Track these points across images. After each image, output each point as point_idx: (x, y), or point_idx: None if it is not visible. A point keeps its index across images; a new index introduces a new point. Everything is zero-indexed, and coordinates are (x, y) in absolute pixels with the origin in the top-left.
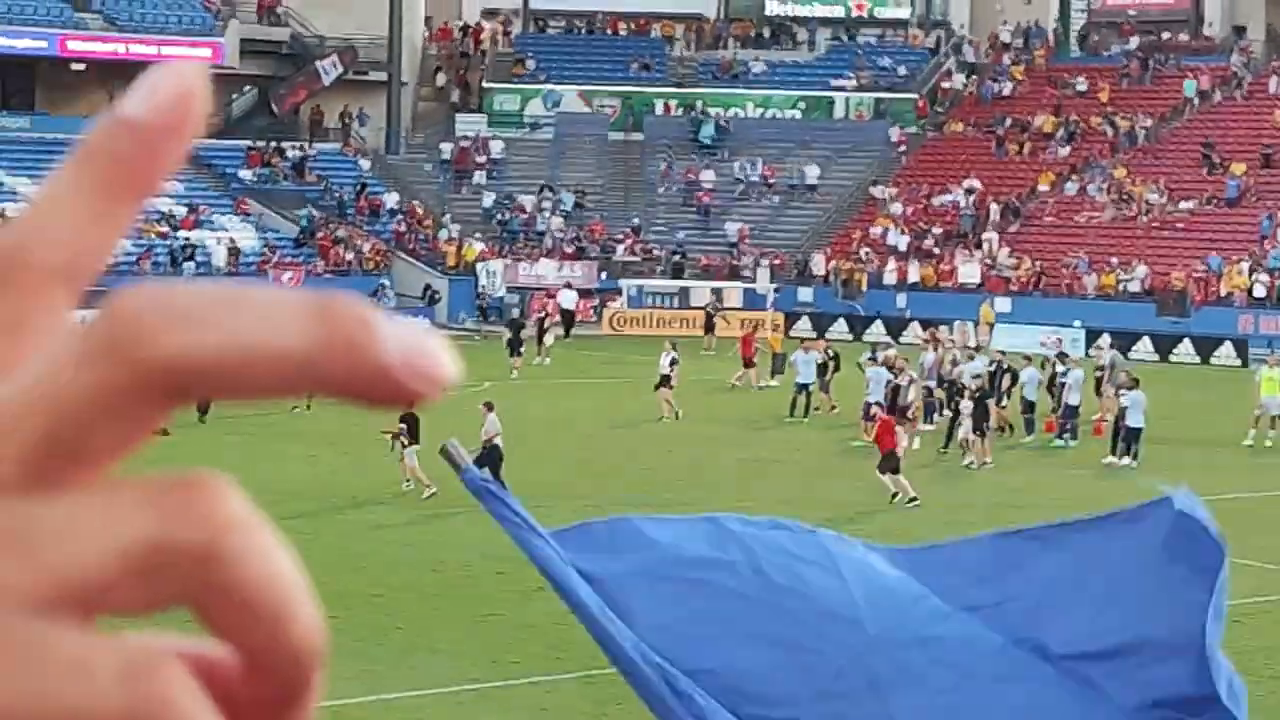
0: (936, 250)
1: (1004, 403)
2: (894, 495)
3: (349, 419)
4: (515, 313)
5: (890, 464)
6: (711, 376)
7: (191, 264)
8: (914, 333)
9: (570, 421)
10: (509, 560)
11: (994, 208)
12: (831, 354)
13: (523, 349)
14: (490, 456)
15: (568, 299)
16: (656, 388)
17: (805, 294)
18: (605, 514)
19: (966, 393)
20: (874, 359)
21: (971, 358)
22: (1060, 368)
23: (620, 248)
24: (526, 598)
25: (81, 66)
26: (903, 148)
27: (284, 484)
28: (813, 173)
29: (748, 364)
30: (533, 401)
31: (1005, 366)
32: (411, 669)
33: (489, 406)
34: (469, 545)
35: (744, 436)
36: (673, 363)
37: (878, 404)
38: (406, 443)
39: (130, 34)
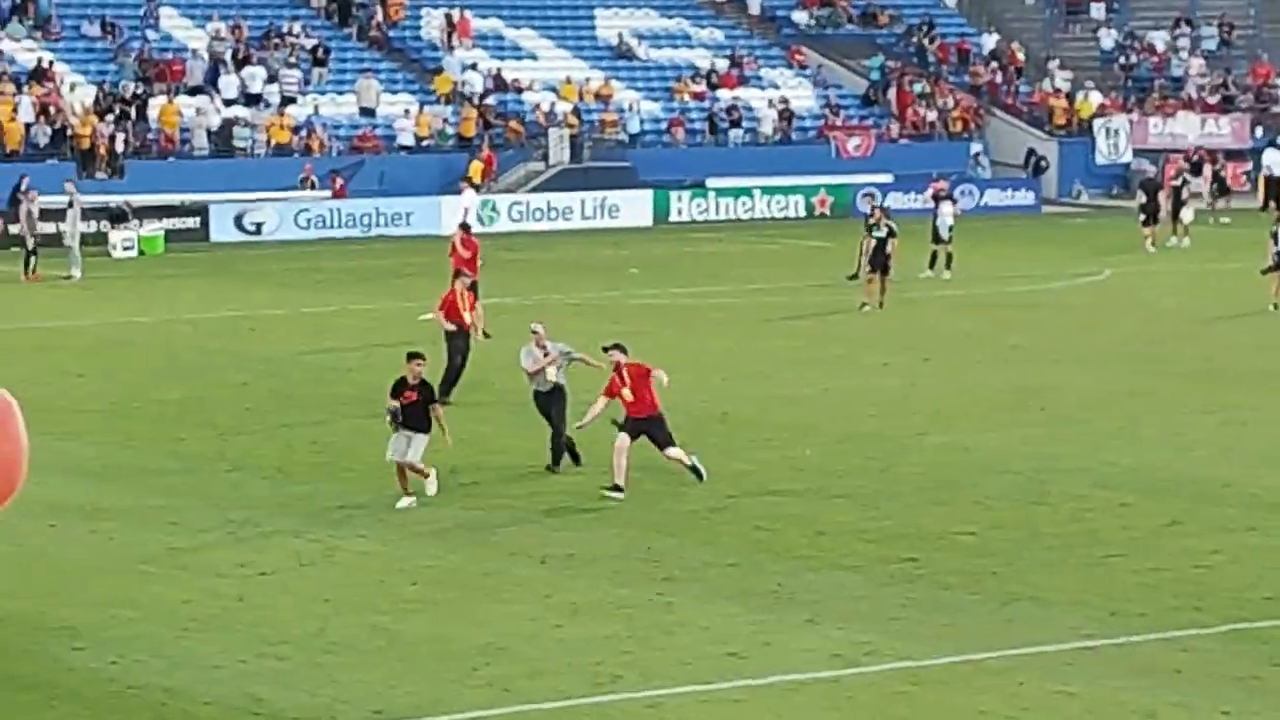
0: None
1: None
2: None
3: (932, 320)
4: (1151, 173)
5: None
6: None
7: (736, 131)
8: None
9: (1200, 309)
10: (1134, 490)
11: None
12: None
13: (1159, 217)
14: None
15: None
16: (1266, 271)
17: None
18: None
19: None
20: None
21: None
22: None
23: None
24: (1155, 536)
25: None
26: None
27: (854, 398)
28: None
29: None
30: (1164, 290)
31: None
32: (1008, 623)
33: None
34: (1079, 472)
35: None
36: None
37: None
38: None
39: None
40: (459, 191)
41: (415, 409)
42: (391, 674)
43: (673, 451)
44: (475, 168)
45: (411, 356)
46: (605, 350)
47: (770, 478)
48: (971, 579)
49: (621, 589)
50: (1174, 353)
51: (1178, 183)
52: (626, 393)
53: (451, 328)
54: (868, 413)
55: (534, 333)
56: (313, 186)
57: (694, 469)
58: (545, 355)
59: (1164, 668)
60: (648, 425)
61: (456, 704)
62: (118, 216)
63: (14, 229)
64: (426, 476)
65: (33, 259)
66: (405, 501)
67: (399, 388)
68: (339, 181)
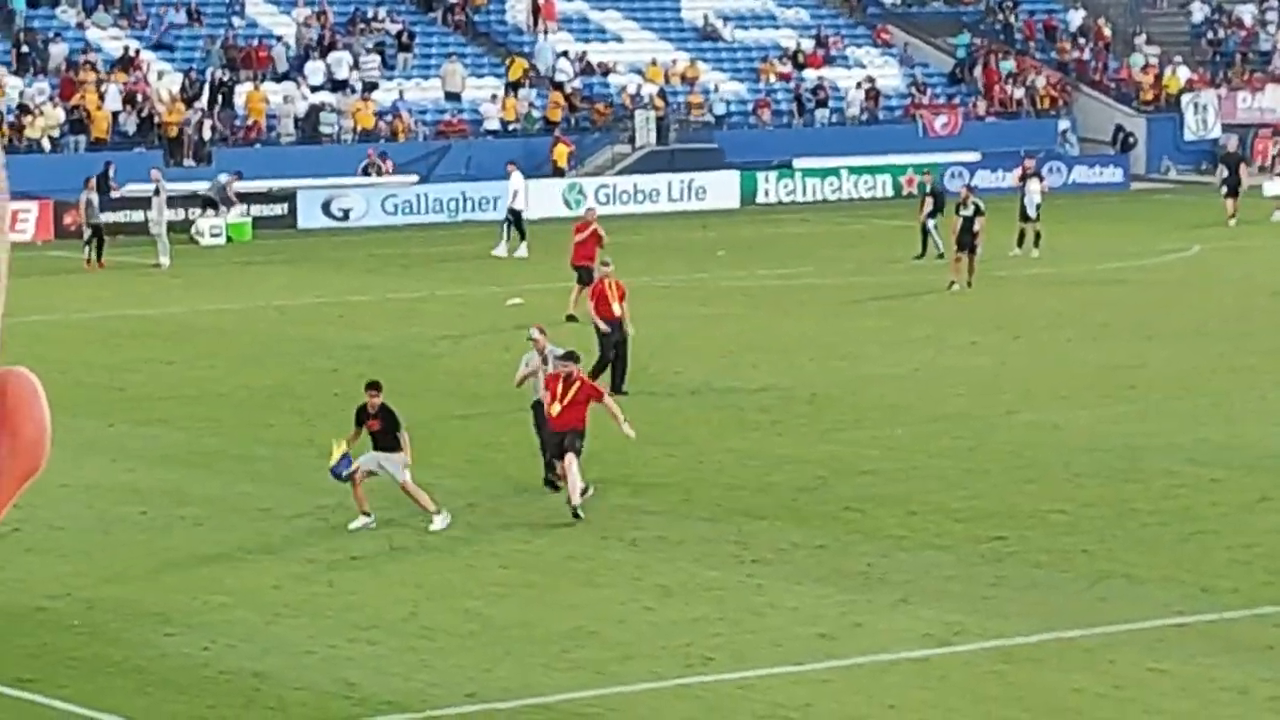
0: None
1: None
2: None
3: (1020, 299)
4: (1232, 146)
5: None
6: None
7: (823, 110)
8: None
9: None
10: (1225, 466)
11: None
12: None
13: (1240, 190)
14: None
15: None
16: None
17: None
18: None
19: None
20: None
21: None
22: None
23: None
24: (1247, 511)
25: None
26: None
27: (942, 378)
28: None
29: None
30: (1255, 265)
31: None
32: (1100, 601)
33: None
34: (1169, 448)
35: None
36: None
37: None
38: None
39: None
40: (507, 175)
41: (382, 435)
42: (483, 658)
43: (570, 464)
44: (560, 152)
45: (369, 387)
46: (557, 359)
47: (860, 458)
48: (1062, 557)
49: (711, 571)
50: (1264, 328)
51: (1274, 158)
52: (555, 408)
53: (605, 327)
54: (957, 392)
55: (532, 339)
56: (379, 171)
57: (575, 511)
58: (545, 364)
59: (1257, 644)
60: (571, 439)
61: (548, 687)
62: (209, 203)
63: (103, 217)
64: (437, 512)
65: (88, 248)
66: (360, 521)
67: (362, 416)
68: (390, 164)
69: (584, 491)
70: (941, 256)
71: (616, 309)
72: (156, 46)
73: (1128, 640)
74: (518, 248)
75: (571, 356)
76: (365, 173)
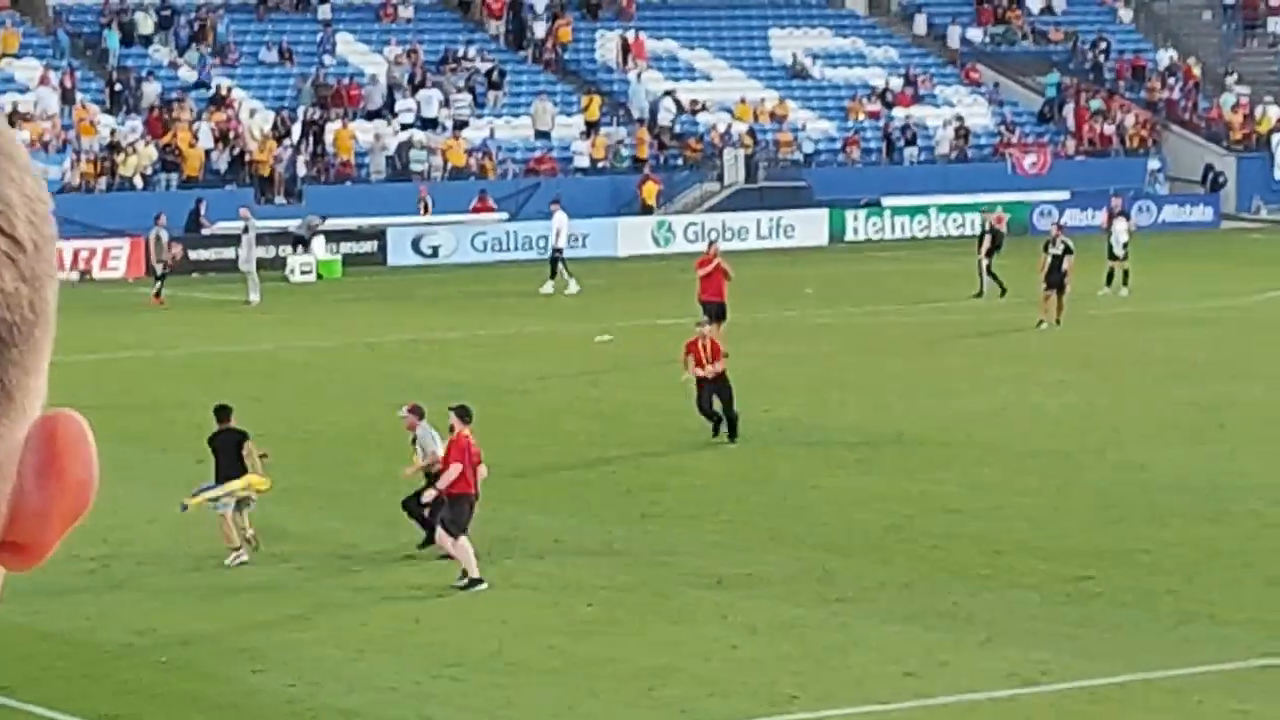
0: None
1: None
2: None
3: (1109, 337)
4: None
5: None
6: None
7: (912, 149)
8: None
9: None
10: None
11: None
12: None
13: None
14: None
15: None
16: None
17: None
18: None
19: None
20: None
21: None
22: None
23: None
24: None
25: None
26: None
27: (1030, 416)
28: None
29: None
30: None
31: None
32: (1184, 642)
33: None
34: (1258, 489)
35: None
36: None
37: None
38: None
39: None
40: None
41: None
42: (568, 695)
43: (444, 541)
44: (649, 189)
45: (220, 413)
46: (451, 409)
47: (946, 496)
48: (1148, 597)
49: (797, 609)
50: None
51: None
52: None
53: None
54: (1044, 430)
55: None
56: (426, 209)
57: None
58: (414, 441)
59: None
60: (454, 503)
61: None
62: (300, 240)
63: (196, 254)
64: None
65: (160, 283)
66: (236, 557)
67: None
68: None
69: (469, 582)
70: (1004, 294)
71: (705, 369)
72: (199, 86)
73: (1213, 681)
74: (545, 285)
75: (459, 411)
76: (420, 208)
